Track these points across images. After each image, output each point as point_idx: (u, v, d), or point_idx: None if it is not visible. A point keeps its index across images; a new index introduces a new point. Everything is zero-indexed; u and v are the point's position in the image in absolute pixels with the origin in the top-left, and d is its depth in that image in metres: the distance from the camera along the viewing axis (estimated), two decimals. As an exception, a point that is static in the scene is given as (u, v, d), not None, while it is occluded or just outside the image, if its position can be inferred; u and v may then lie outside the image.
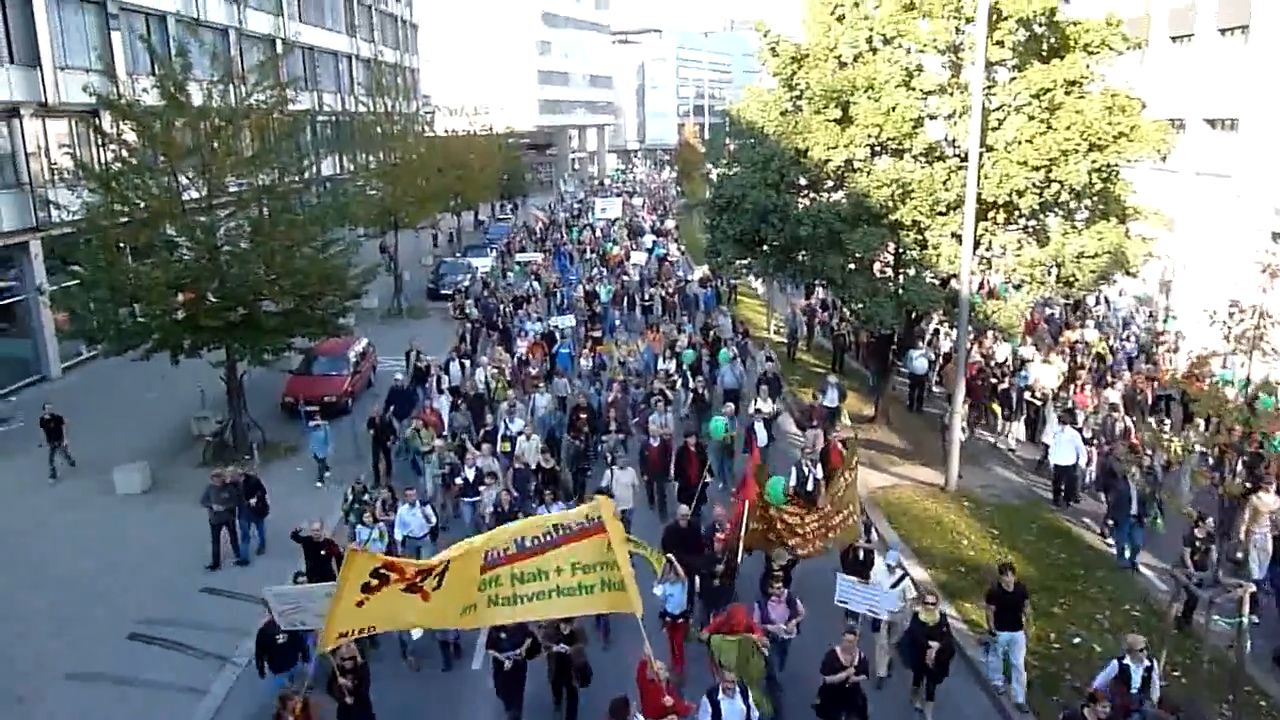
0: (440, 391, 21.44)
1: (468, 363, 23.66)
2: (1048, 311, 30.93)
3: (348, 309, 22.50)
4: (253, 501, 16.13)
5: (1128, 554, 15.80)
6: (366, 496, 15.33)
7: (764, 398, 20.04)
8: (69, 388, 26.79)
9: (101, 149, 23.85)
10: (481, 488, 15.60)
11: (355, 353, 25.66)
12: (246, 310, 19.82)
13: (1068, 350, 25.58)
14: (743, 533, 12.20)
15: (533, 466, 16.46)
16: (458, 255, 47.11)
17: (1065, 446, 18.18)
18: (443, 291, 38.71)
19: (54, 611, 14.52)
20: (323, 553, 13.39)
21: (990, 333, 25.24)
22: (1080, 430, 18.48)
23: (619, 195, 71.26)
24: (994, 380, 22.22)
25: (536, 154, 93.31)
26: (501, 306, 31.32)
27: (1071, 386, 22.34)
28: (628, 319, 32.08)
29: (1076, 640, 13.21)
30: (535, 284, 35.16)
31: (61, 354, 27.95)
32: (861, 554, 12.90)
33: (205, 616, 14.18)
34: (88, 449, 21.12)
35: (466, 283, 37.84)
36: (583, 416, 18.64)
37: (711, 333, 26.81)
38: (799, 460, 16.14)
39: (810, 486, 15.21)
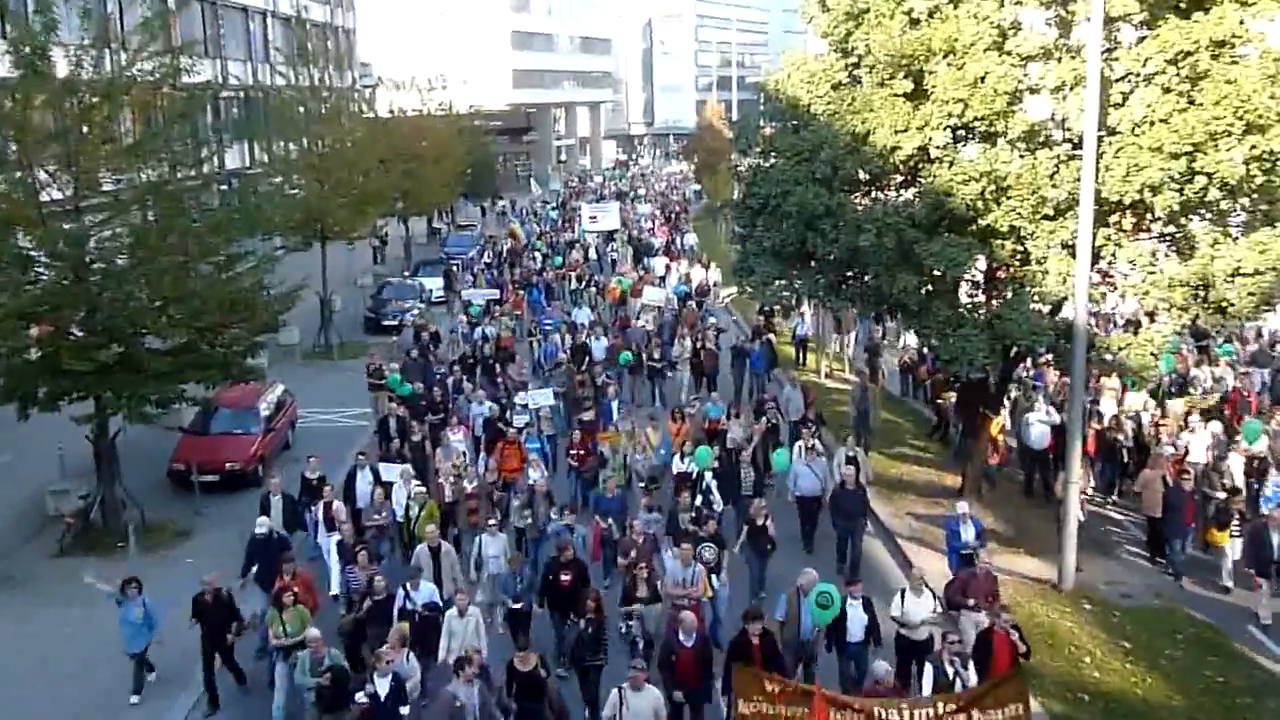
0: (330, 529, 18.15)
1: (394, 472, 19.83)
2: (1259, 378, 27.92)
3: (259, 346, 22.48)
4: None
5: None
6: None
7: (918, 589, 15.27)
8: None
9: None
10: (405, 710, 13.03)
11: (268, 404, 25.65)
12: (123, 348, 19.76)
13: None
14: None
15: (475, 671, 12.88)
16: (405, 274, 47.33)
17: None
18: (385, 322, 38.85)
19: None
20: None
21: (1177, 411, 23.43)
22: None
23: (616, 199, 71.13)
24: (1199, 491, 19.61)
25: (511, 141, 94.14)
26: (441, 372, 27.82)
27: None
28: (634, 390, 29.53)
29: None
30: (489, 331, 31.93)
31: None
32: None
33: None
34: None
35: (410, 317, 35.59)
36: (566, 578, 15.53)
37: (767, 415, 23.51)
38: (936, 658, 13.63)
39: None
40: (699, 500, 18.74)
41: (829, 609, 14.35)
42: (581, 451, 21.82)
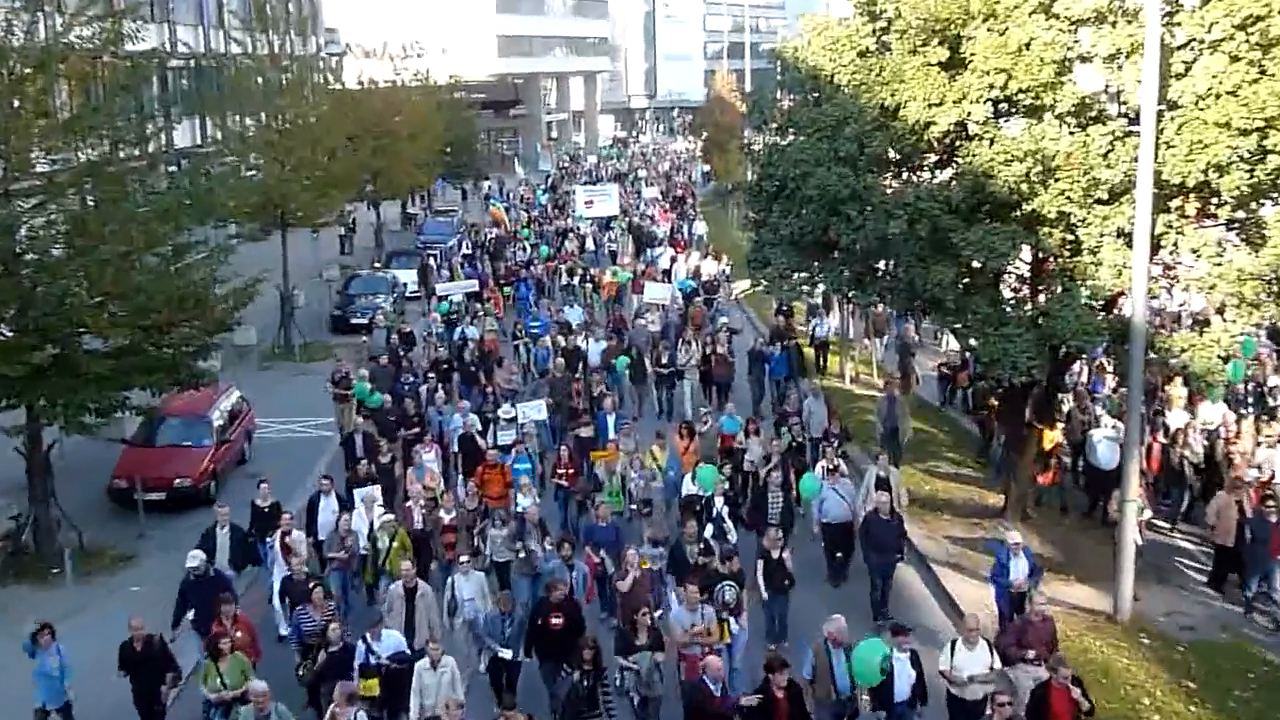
0: (289, 563, 17.52)
1: (359, 496, 19.50)
2: None
3: (212, 347, 22.52)
4: None
5: None
6: None
7: (972, 641, 14.73)
8: None
9: None
10: None
11: (222, 412, 25.66)
12: (59, 349, 19.81)
13: None
14: None
15: None
16: (376, 266, 47.42)
17: None
18: (354, 321, 38.90)
19: None
20: None
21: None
22: None
23: (614, 181, 71.07)
24: None
25: (495, 115, 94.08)
26: (411, 381, 27.45)
27: None
28: (638, 400, 29.37)
29: None
30: (470, 331, 31.81)
31: None
32: None
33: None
34: None
35: (379, 318, 35.52)
36: (556, 621, 15.28)
37: (791, 431, 23.36)
38: None
39: None
40: (709, 530, 18.37)
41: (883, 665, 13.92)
42: (570, 470, 21.54)
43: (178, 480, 23.45)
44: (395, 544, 17.82)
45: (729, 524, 18.91)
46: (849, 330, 33.56)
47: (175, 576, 17.05)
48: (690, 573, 16.47)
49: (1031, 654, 14.82)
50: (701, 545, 17.53)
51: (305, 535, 18.74)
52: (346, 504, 19.45)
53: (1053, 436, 22.48)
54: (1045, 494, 23.19)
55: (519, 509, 19.26)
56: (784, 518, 19.37)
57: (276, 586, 17.44)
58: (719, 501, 19.35)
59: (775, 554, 17.23)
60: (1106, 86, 18.92)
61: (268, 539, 18.62)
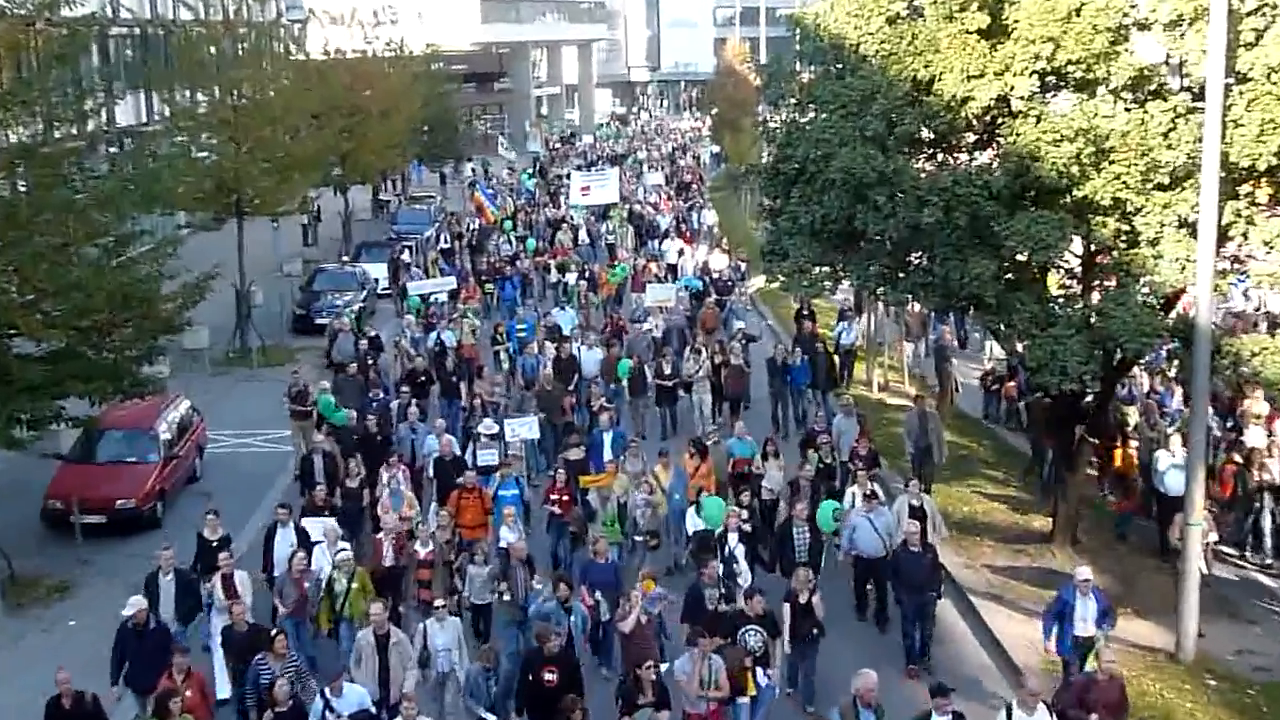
0: (233, 606, 16.72)
1: (316, 528, 19.15)
2: None
3: (159, 350, 22.60)
4: None
5: None
6: None
7: (1030, 706, 14.34)
8: None
9: None
10: None
11: (169, 425, 25.60)
12: (-13, 353, 19.86)
13: None
14: None
15: None
16: (343, 259, 47.47)
17: None
18: (317, 320, 38.83)
19: None
20: None
21: None
22: None
23: (612, 164, 70.86)
24: None
25: (478, 90, 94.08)
26: (379, 396, 26.98)
27: None
28: (639, 416, 29.00)
29: None
30: (446, 336, 31.42)
31: None
32: None
33: None
34: None
35: (338, 321, 34.71)
36: (550, 677, 14.85)
37: (820, 452, 22.83)
38: None
39: None
40: (720, 570, 17.95)
41: None
42: (565, 497, 20.94)
43: (120, 501, 23.37)
44: (355, 585, 17.46)
45: (741, 564, 18.61)
46: (880, 334, 33.47)
47: (117, 608, 16.83)
48: (707, 621, 16.04)
49: (1094, 718, 14.58)
50: (721, 592, 17.11)
51: (262, 572, 18.61)
52: (304, 538, 18.93)
53: (1123, 454, 22.35)
54: (1103, 517, 23.20)
55: (502, 543, 18.92)
56: (813, 555, 18.99)
57: (217, 638, 17.17)
58: (732, 538, 19.01)
59: (803, 598, 16.71)
60: (1167, 57, 18.97)
61: (207, 580, 18.00)
